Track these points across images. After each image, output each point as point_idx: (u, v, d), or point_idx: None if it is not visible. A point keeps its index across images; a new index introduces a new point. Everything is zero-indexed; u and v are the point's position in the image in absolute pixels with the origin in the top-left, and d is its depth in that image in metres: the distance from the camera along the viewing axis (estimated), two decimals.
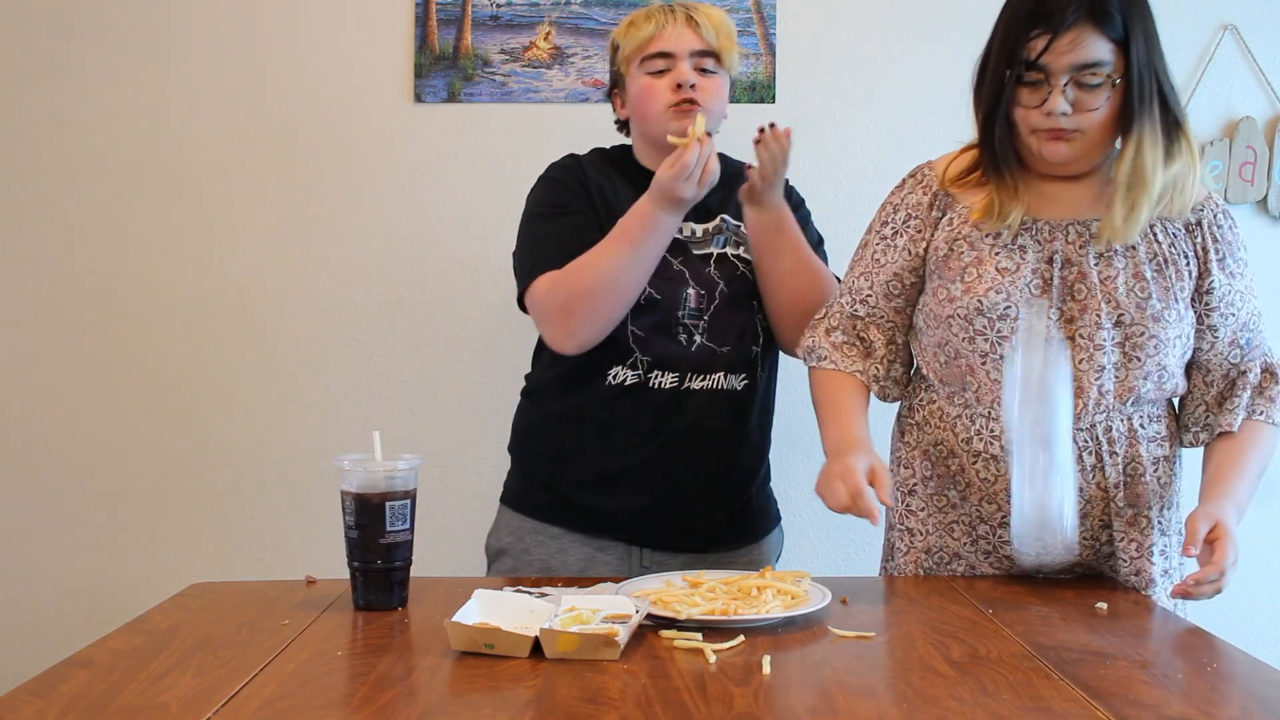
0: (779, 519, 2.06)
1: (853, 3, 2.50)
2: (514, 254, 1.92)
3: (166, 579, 1.80)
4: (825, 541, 2.56)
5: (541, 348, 1.97)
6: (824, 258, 1.98)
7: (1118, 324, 1.61)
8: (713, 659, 1.28)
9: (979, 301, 1.63)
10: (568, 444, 1.91)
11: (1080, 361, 1.61)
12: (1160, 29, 2.44)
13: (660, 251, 1.81)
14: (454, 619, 1.31)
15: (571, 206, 1.89)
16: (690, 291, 1.86)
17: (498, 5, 2.46)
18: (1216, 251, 1.65)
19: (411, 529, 1.52)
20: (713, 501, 1.91)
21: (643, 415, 1.86)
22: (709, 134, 1.80)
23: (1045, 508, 1.54)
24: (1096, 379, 1.61)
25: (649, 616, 1.40)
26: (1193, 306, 1.66)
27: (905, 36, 2.50)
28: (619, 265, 1.78)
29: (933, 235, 1.71)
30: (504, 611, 1.38)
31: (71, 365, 2.50)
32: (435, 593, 1.56)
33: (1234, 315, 1.67)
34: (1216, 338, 1.67)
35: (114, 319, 2.50)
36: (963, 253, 1.66)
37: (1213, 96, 2.49)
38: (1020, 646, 1.34)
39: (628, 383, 1.86)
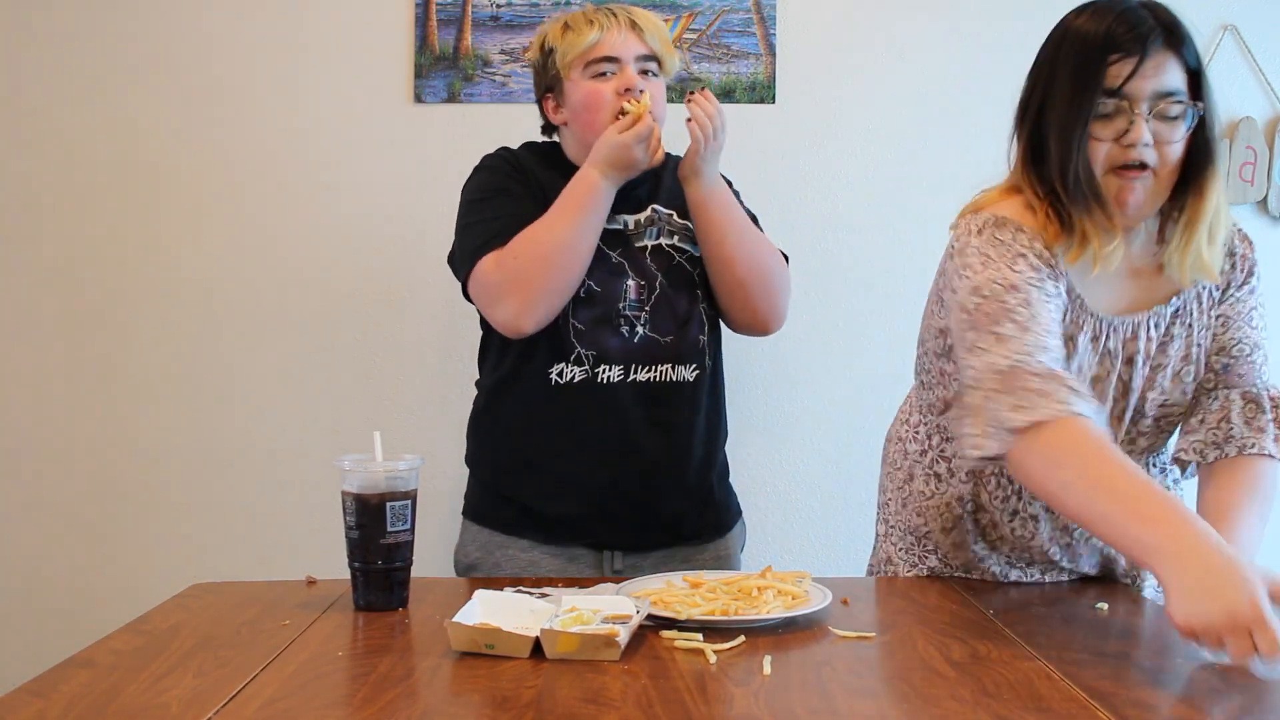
0: (740, 512, 2.05)
1: (853, 3, 2.51)
2: (452, 248, 1.88)
3: (166, 579, 1.80)
4: (825, 541, 2.56)
5: (485, 352, 1.95)
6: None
7: (1163, 405, 1.57)
8: (713, 659, 1.28)
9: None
10: (523, 451, 1.89)
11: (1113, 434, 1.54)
12: None
13: (601, 225, 1.79)
14: (454, 619, 1.31)
15: (512, 190, 1.86)
16: (630, 283, 1.84)
17: (498, 5, 2.46)
18: (1227, 289, 1.58)
19: (412, 529, 1.52)
20: (675, 495, 1.90)
21: (593, 412, 1.84)
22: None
23: None
24: (1128, 448, 1.58)
25: (649, 617, 1.40)
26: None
27: (905, 36, 2.50)
28: (572, 232, 1.76)
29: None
30: (504, 612, 1.38)
31: (71, 365, 2.50)
32: (436, 593, 1.56)
33: (1246, 341, 1.58)
34: (1230, 369, 1.60)
35: (114, 319, 2.50)
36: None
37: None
38: (1020, 646, 1.34)
39: (575, 380, 1.83)
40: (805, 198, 2.53)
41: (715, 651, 1.30)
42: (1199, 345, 1.57)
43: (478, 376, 1.99)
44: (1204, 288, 1.57)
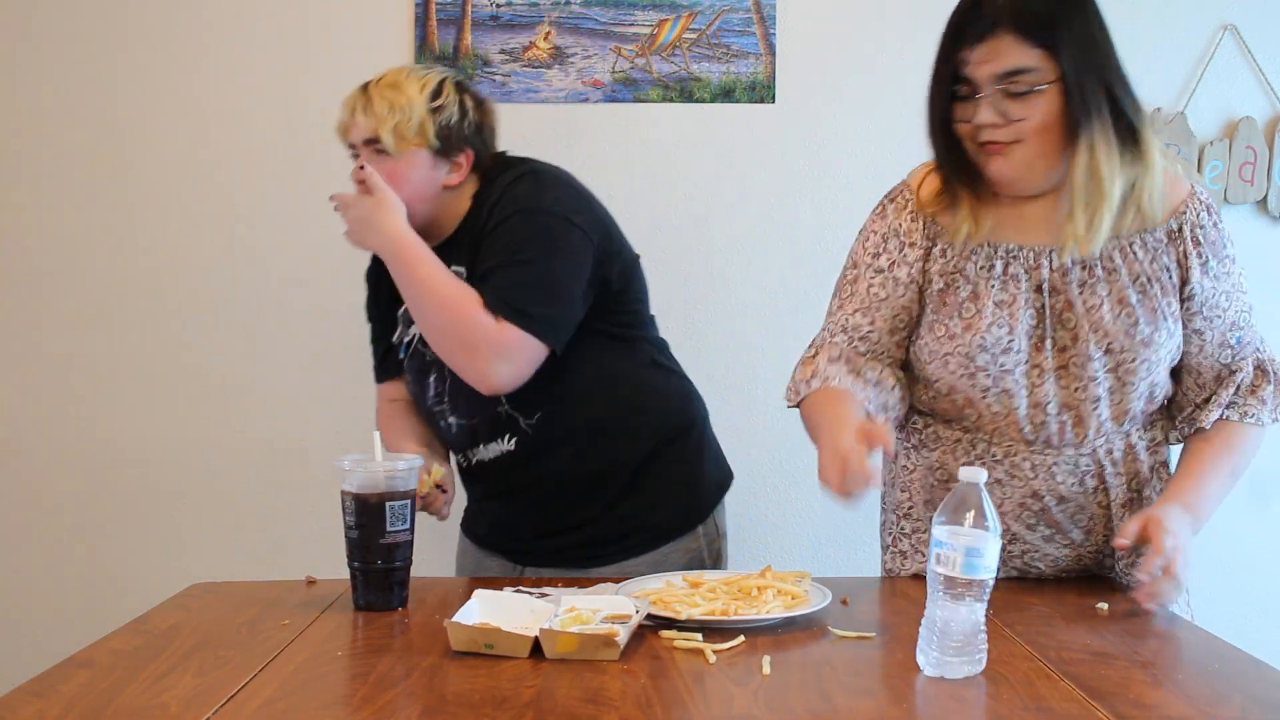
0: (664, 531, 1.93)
1: (853, 3, 2.50)
2: (510, 279, 1.76)
3: (166, 579, 1.80)
4: (825, 541, 2.56)
5: None
6: None
7: (1108, 351, 1.58)
8: (713, 659, 1.28)
9: (981, 339, 1.59)
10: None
11: (1076, 390, 1.59)
12: (1160, 29, 2.47)
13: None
14: (454, 619, 1.31)
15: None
16: (431, 379, 1.86)
17: (497, 5, 2.46)
18: (1199, 255, 1.60)
19: (411, 529, 1.52)
20: (573, 530, 1.89)
21: (475, 486, 1.95)
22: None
23: None
24: (1094, 408, 1.59)
25: (649, 616, 1.40)
26: (1180, 313, 1.62)
27: (905, 36, 2.49)
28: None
29: (926, 265, 1.64)
30: (504, 612, 1.38)
31: (70, 365, 2.50)
32: (435, 593, 1.56)
33: (1220, 317, 1.62)
34: (1205, 341, 1.63)
35: (114, 319, 2.50)
36: (958, 287, 1.61)
37: (1213, 96, 2.48)
38: (1021, 647, 1.34)
39: (459, 464, 1.93)
40: (805, 198, 2.53)
41: (715, 651, 1.30)
42: (1145, 291, 1.58)
43: None
44: (1134, 240, 1.59)
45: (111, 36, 2.47)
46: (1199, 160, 2.48)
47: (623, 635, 1.29)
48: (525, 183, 1.83)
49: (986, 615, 1.25)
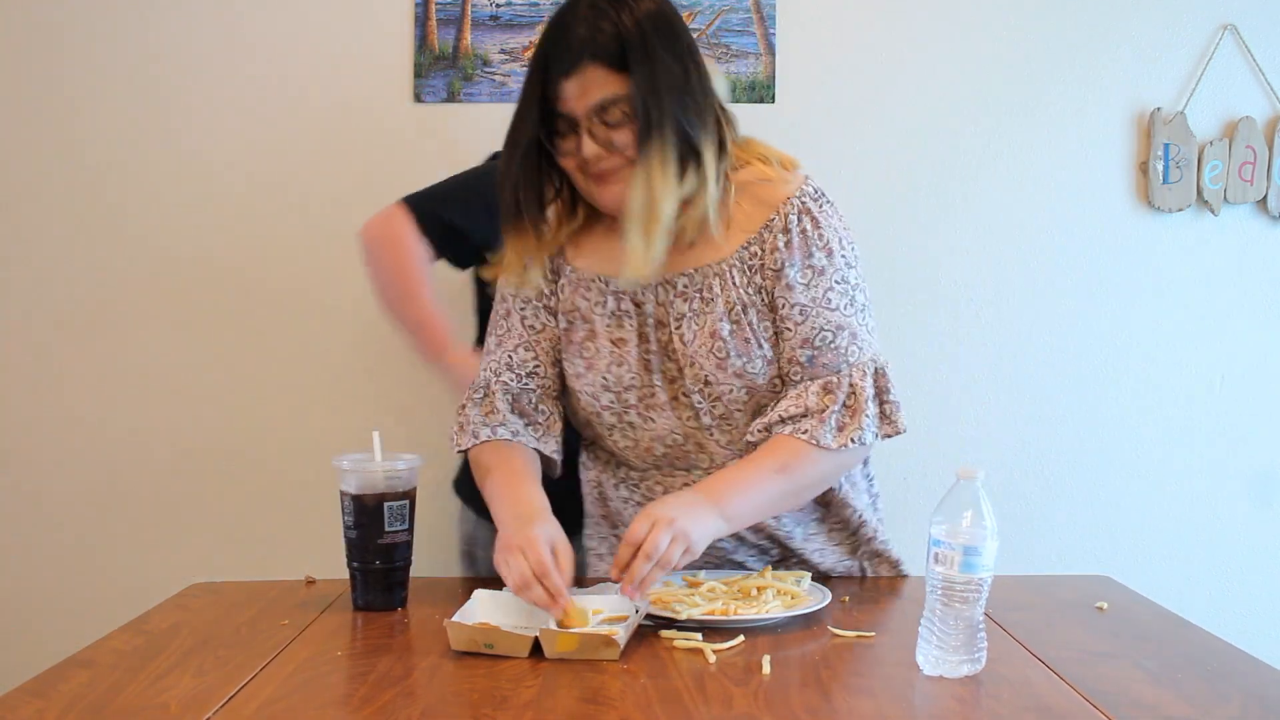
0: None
1: (853, 3, 2.50)
2: None
3: (166, 579, 1.80)
4: None
5: None
6: None
7: (707, 383, 1.55)
8: (713, 659, 1.28)
9: (603, 378, 1.58)
10: None
11: (688, 420, 1.58)
12: (1160, 29, 2.47)
13: None
14: (454, 619, 1.31)
15: None
16: None
17: (497, 5, 2.46)
18: (774, 262, 1.54)
19: (410, 529, 1.52)
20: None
21: None
22: None
23: None
24: (710, 435, 1.58)
25: (649, 616, 1.40)
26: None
27: (905, 36, 2.50)
28: None
29: (557, 299, 1.63)
30: (504, 611, 1.38)
31: (70, 365, 2.50)
32: (435, 593, 1.56)
33: (793, 331, 1.54)
34: (779, 354, 1.56)
35: (113, 318, 2.50)
36: (576, 325, 1.61)
37: (1213, 96, 2.49)
38: (1020, 646, 1.34)
39: None
40: None
41: (715, 651, 1.30)
42: (740, 320, 1.54)
43: None
44: (735, 264, 1.55)
45: (110, 37, 2.47)
46: (1199, 160, 2.48)
47: (622, 635, 1.29)
48: None
49: (986, 615, 1.25)
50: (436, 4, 2.45)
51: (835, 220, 1.58)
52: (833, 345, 1.53)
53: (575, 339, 1.61)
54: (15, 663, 1.59)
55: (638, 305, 1.58)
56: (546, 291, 1.63)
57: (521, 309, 1.64)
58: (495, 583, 1.43)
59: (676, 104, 1.48)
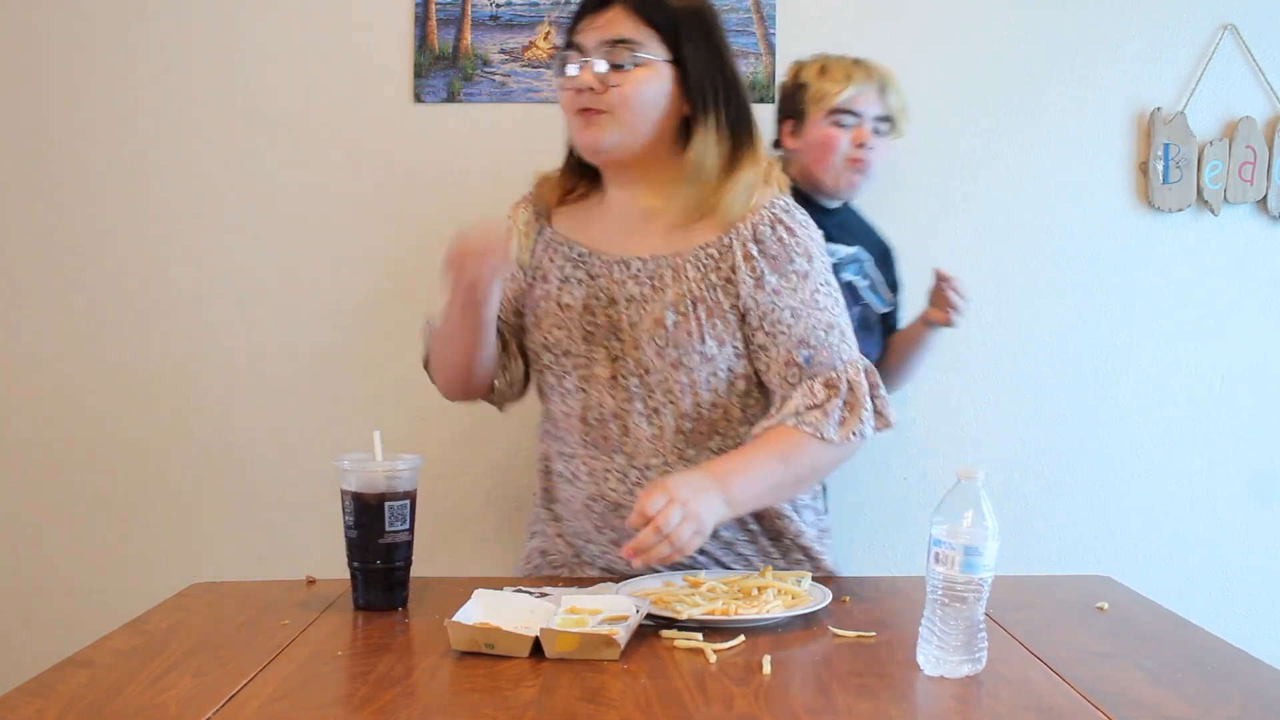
0: None
1: (853, 3, 2.50)
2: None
3: (166, 579, 1.80)
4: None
5: None
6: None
7: (647, 370, 1.60)
8: (713, 659, 1.28)
9: (545, 337, 1.66)
10: None
11: (622, 402, 1.62)
12: (1160, 29, 2.47)
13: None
14: (454, 619, 1.31)
15: None
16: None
17: (497, 5, 2.45)
18: (751, 269, 1.58)
19: (411, 529, 1.52)
20: None
21: None
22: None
23: None
24: (639, 421, 1.61)
25: (649, 616, 1.40)
26: (741, 330, 1.60)
27: (905, 36, 2.49)
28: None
29: (534, 254, 1.73)
30: (504, 611, 1.38)
31: (69, 364, 2.50)
32: (435, 593, 1.56)
33: (784, 333, 1.58)
34: (770, 358, 1.59)
35: (113, 318, 2.50)
36: (535, 282, 1.70)
37: (1213, 96, 2.48)
38: (1020, 646, 1.34)
39: None
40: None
41: (715, 651, 1.30)
42: (686, 314, 1.58)
43: None
44: (691, 260, 1.60)
45: (109, 37, 2.47)
46: (1199, 160, 2.48)
47: (622, 635, 1.29)
48: None
49: (986, 615, 1.25)
50: (436, 4, 2.45)
51: (809, 230, 1.63)
52: (827, 343, 1.57)
53: (533, 295, 1.70)
54: (15, 663, 1.59)
55: (592, 277, 1.64)
56: (524, 245, 1.73)
57: None
58: (495, 583, 1.43)
59: (727, 81, 1.61)
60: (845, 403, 1.55)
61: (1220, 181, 2.48)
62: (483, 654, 1.29)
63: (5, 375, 2.51)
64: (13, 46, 2.48)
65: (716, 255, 1.59)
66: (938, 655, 1.23)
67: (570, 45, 1.60)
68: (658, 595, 1.47)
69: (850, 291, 1.99)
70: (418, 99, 2.47)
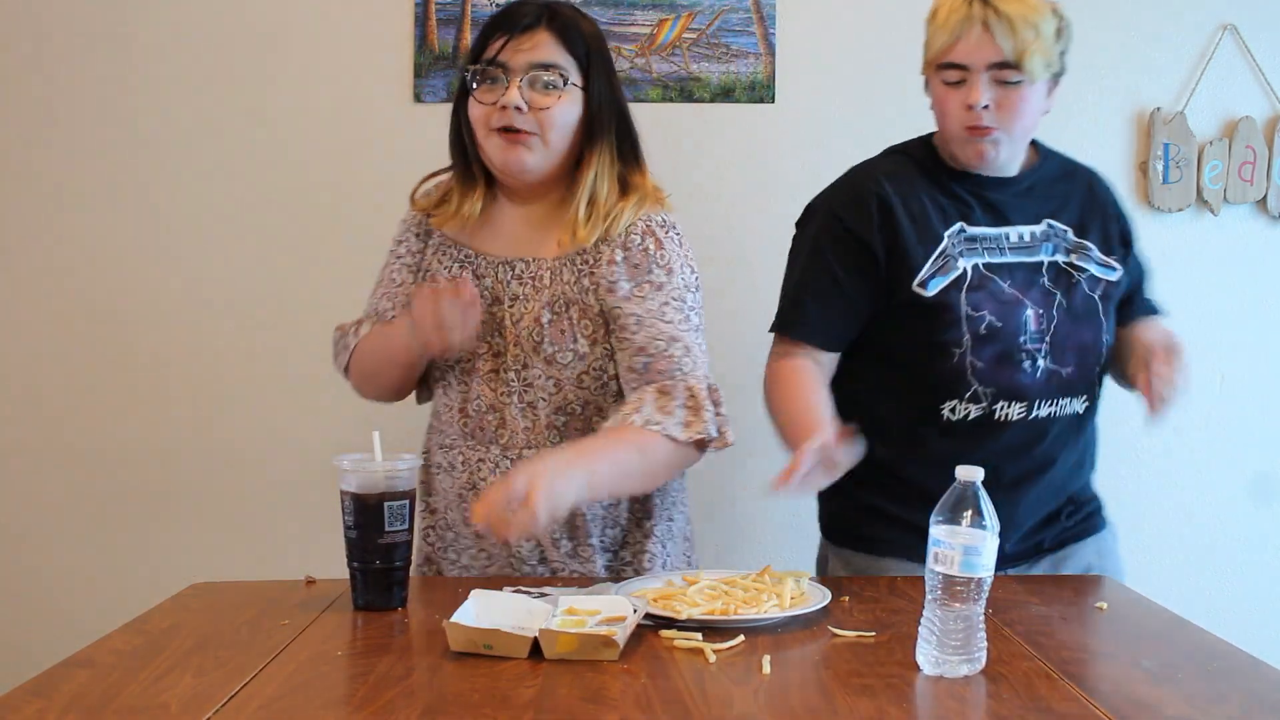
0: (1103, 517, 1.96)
1: (853, 3, 2.50)
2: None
3: (166, 579, 1.80)
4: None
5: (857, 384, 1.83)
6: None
7: (525, 366, 1.68)
8: (712, 659, 1.28)
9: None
10: (901, 475, 1.78)
11: (500, 395, 1.69)
12: (1160, 29, 2.47)
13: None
14: (453, 619, 1.31)
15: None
16: (1029, 313, 1.72)
17: (497, 5, 2.45)
18: (610, 275, 1.66)
19: (410, 529, 1.52)
20: (1041, 522, 1.83)
21: (988, 448, 1.69)
22: None
23: None
24: (515, 414, 1.69)
25: (649, 616, 1.40)
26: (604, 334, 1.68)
27: (905, 36, 2.49)
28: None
29: (425, 258, 1.80)
30: (503, 612, 1.38)
31: (70, 365, 2.50)
32: (435, 593, 1.57)
33: (630, 339, 1.65)
34: (618, 361, 1.67)
35: (114, 319, 2.50)
36: (425, 284, 1.72)
37: (1212, 96, 2.48)
38: (1020, 646, 1.34)
39: (971, 416, 1.72)
40: (805, 198, 2.52)
41: (715, 651, 1.30)
42: (560, 313, 1.67)
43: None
44: (565, 264, 1.68)
45: (111, 36, 2.47)
46: (1199, 160, 2.48)
47: (621, 635, 1.29)
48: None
49: (986, 615, 1.25)
50: (436, 4, 2.45)
51: (680, 248, 1.70)
52: (666, 354, 1.63)
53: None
54: (15, 663, 1.59)
55: (479, 277, 1.71)
56: (415, 250, 1.80)
57: (394, 264, 1.81)
58: (494, 583, 1.43)
59: (619, 110, 1.69)
60: (685, 406, 1.60)
61: (1220, 181, 2.48)
62: (481, 654, 1.29)
63: (5, 376, 2.51)
64: (13, 47, 2.48)
65: (591, 260, 1.67)
66: (937, 655, 1.23)
67: (494, 63, 1.63)
68: (657, 594, 1.47)
69: (1062, 274, 1.75)
70: (418, 99, 2.47)
